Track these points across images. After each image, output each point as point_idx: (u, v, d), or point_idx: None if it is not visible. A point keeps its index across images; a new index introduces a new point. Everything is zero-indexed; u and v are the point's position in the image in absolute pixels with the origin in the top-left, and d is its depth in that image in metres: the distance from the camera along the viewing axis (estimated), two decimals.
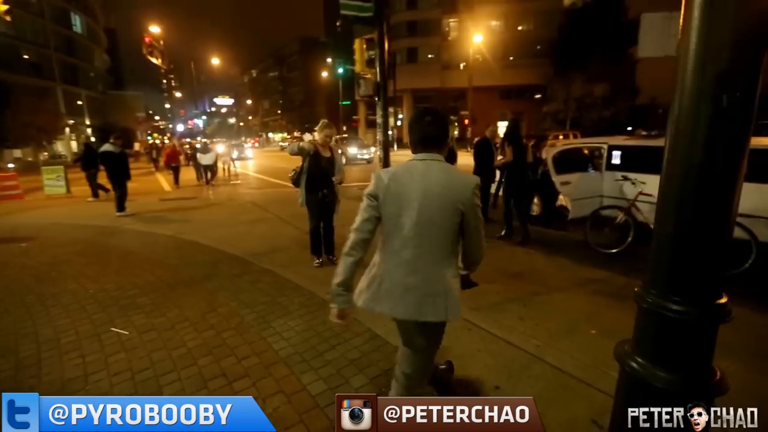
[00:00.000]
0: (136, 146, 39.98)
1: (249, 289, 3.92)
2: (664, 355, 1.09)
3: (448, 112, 35.54)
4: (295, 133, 54.69)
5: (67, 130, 34.71)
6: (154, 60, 12.60)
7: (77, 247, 5.61)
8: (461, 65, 37.54)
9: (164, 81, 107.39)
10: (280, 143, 48.91)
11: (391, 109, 30.25)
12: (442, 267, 1.65)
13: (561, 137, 22.20)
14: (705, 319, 1.03)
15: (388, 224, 1.78)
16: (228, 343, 2.96)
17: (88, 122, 39.69)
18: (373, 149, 26.10)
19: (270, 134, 66.99)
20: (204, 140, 19.94)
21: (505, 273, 4.26)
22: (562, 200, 6.53)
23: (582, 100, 30.08)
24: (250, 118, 73.30)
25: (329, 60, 50.96)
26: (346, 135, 31.62)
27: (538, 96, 35.83)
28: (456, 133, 44.49)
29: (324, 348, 2.89)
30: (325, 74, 52.49)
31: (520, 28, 37.58)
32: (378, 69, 9.00)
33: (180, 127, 70.56)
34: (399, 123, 40.53)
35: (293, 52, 66.20)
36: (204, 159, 13.46)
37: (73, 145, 35.45)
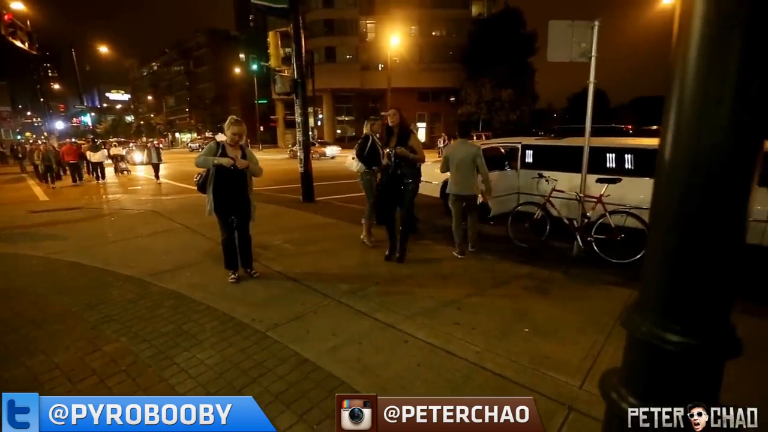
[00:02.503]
0: None
1: (147, 317, 3.30)
2: (659, 395, 0.91)
3: (368, 112, 35.64)
4: (207, 134, 50.85)
5: None
6: (18, 43, 10.54)
7: None
8: (380, 66, 38.03)
9: (40, 70, 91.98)
10: (189, 144, 45.00)
11: (310, 109, 29.51)
12: None
13: (474, 137, 23.49)
14: (711, 351, 0.86)
15: None
16: (115, 393, 2.36)
17: None
18: (336, 148, 25.37)
19: (177, 134, 61.58)
20: (93, 138, 17.73)
21: (437, 275, 4.21)
22: (480, 197, 6.74)
23: (492, 103, 32.35)
24: (152, 116, 66.36)
25: (242, 56, 48.24)
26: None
27: (452, 99, 37.67)
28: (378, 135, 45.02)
29: (242, 382, 2.46)
30: (238, 71, 49.63)
31: (434, 33, 39.18)
32: (295, 65, 8.65)
33: (60, 125, 60.54)
34: (319, 123, 39.79)
35: (201, 45, 61.68)
36: (94, 157, 13.89)
37: None
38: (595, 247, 4.81)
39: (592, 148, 5.06)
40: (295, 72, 8.64)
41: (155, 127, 59.53)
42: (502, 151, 6.98)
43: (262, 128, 42.73)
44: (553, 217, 5.29)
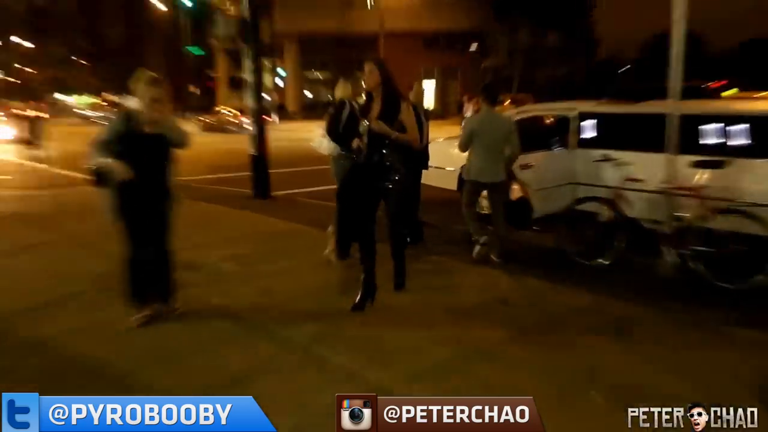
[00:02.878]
0: None
1: None
2: None
3: (352, 67, 35.55)
4: (112, 97, 50.31)
5: None
6: None
7: None
8: (369, 2, 38.05)
9: None
10: (86, 112, 44.31)
11: (267, 63, 29.44)
12: None
13: (508, 102, 23.64)
14: None
15: None
16: None
17: None
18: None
19: (67, 98, 60.90)
20: None
21: (452, 309, 4.22)
22: (518, 191, 6.69)
23: (531, 53, 32.51)
24: (28, 70, 65.20)
25: None
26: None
27: (474, 46, 37.80)
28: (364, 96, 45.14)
29: None
30: (161, 6, 49.35)
31: None
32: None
33: None
34: (281, 83, 39.63)
35: None
36: None
37: None
38: (695, 264, 4.77)
39: (686, 116, 5.01)
40: (245, 8, 8.67)
41: (33, 85, 58.17)
42: (548, 122, 6.94)
43: (196, 90, 42.44)
44: (627, 220, 5.27)
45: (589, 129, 6.40)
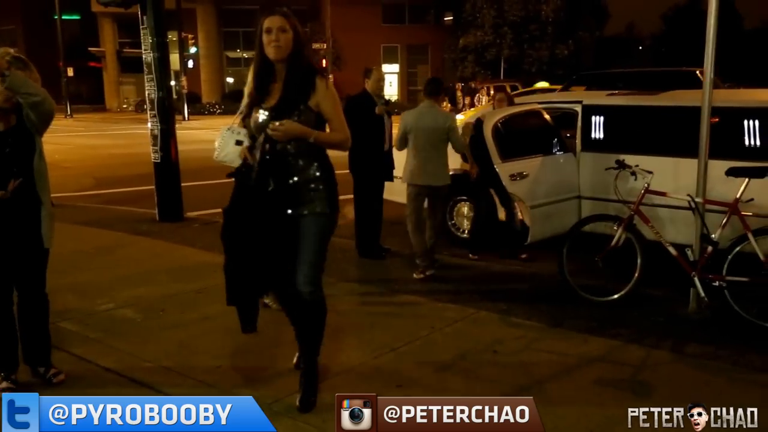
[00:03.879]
0: None
1: None
2: None
3: None
4: None
5: None
6: None
7: None
8: None
9: None
10: None
11: (173, 37, 29.08)
12: None
13: (491, 91, 24.05)
14: None
15: None
16: None
17: None
18: None
19: None
20: None
21: (431, 363, 4.28)
22: (508, 209, 6.87)
23: (521, 28, 33.03)
24: None
25: None
26: None
27: (448, 19, 38.38)
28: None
29: None
30: None
31: None
32: None
33: None
34: (190, 64, 39.17)
35: None
36: None
37: None
38: (731, 299, 4.89)
39: (718, 109, 5.18)
40: None
41: None
42: (548, 118, 7.08)
43: (71, 72, 41.25)
44: (646, 242, 5.42)
45: (597, 127, 6.56)
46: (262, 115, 3.41)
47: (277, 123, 3.27)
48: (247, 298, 3.67)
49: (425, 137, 6.02)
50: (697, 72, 16.33)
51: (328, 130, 3.53)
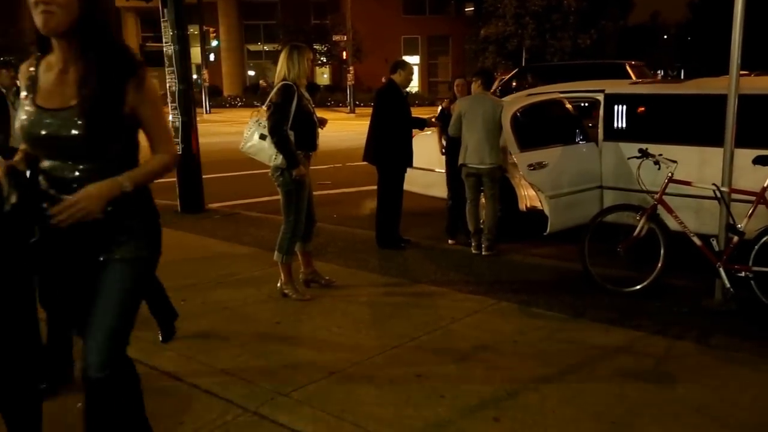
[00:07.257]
0: None
1: None
2: None
3: (309, 36, 35.75)
4: None
5: None
6: None
7: None
8: None
9: None
10: None
11: (194, 31, 29.12)
12: None
13: (513, 82, 23.82)
14: None
15: None
16: None
17: None
18: None
19: None
20: None
21: (451, 353, 4.28)
22: (525, 198, 6.82)
23: (544, 17, 32.87)
24: None
25: None
26: None
27: (470, 9, 38.26)
28: (326, 77, 45.17)
29: None
30: None
31: None
32: None
33: None
34: (212, 57, 39.40)
35: None
36: None
37: None
38: (757, 290, 4.88)
39: (745, 97, 5.14)
40: None
41: None
42: (569, 107, 7.07)
43: None
44: (670, 233, 5.41)
45: (620, 116, 6.54)
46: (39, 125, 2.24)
47: (67, 200, 2.14)
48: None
49: (481, 121, 6.35)
50: (626, 65, 16.14)
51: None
